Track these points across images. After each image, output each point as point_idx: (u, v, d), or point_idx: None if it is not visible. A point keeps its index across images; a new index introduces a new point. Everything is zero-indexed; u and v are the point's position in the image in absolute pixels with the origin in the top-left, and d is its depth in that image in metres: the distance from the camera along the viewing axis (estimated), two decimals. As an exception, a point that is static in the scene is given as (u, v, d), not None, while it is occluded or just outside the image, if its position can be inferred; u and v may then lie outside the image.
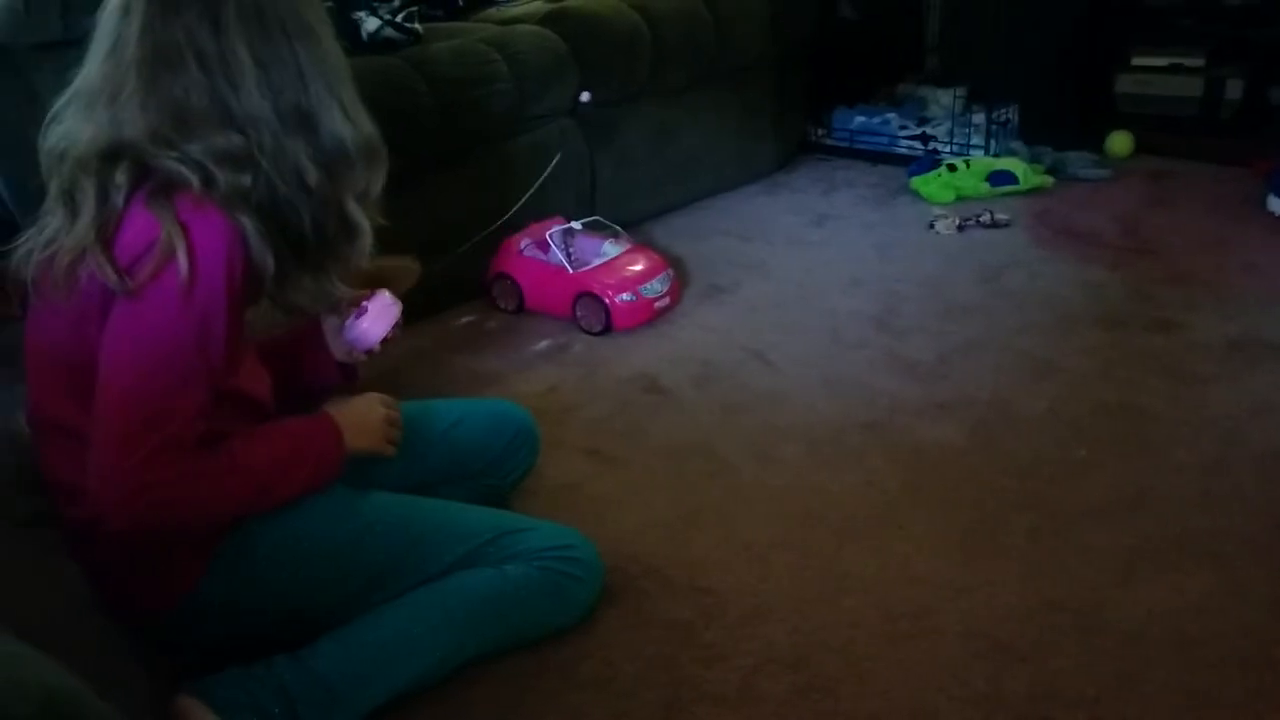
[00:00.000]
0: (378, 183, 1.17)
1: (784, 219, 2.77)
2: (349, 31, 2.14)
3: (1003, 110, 3.07)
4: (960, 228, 2.62)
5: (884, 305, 2.25)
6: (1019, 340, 2.07)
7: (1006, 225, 2.62)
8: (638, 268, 2.23)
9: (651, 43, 2.55)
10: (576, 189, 2.51)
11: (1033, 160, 2.92)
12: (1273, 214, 2.56)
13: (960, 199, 2.80)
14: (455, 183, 2.25)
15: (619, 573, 1.44)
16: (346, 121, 1.12)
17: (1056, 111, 3.08)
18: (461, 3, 2.66)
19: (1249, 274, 2.30)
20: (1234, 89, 3.08)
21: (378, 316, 1.36)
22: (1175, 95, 3.12)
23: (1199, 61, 3.09)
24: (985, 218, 2.64)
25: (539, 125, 2.38)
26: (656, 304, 2.21)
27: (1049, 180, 2.86)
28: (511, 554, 1.28)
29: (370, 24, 2.15)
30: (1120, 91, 3.18)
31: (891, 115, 3.17)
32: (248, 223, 1.06)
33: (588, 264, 2.22)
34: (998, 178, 2.83)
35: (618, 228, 2.34)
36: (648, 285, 2.20)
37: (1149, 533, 1.50)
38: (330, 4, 2.15)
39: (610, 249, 2.26)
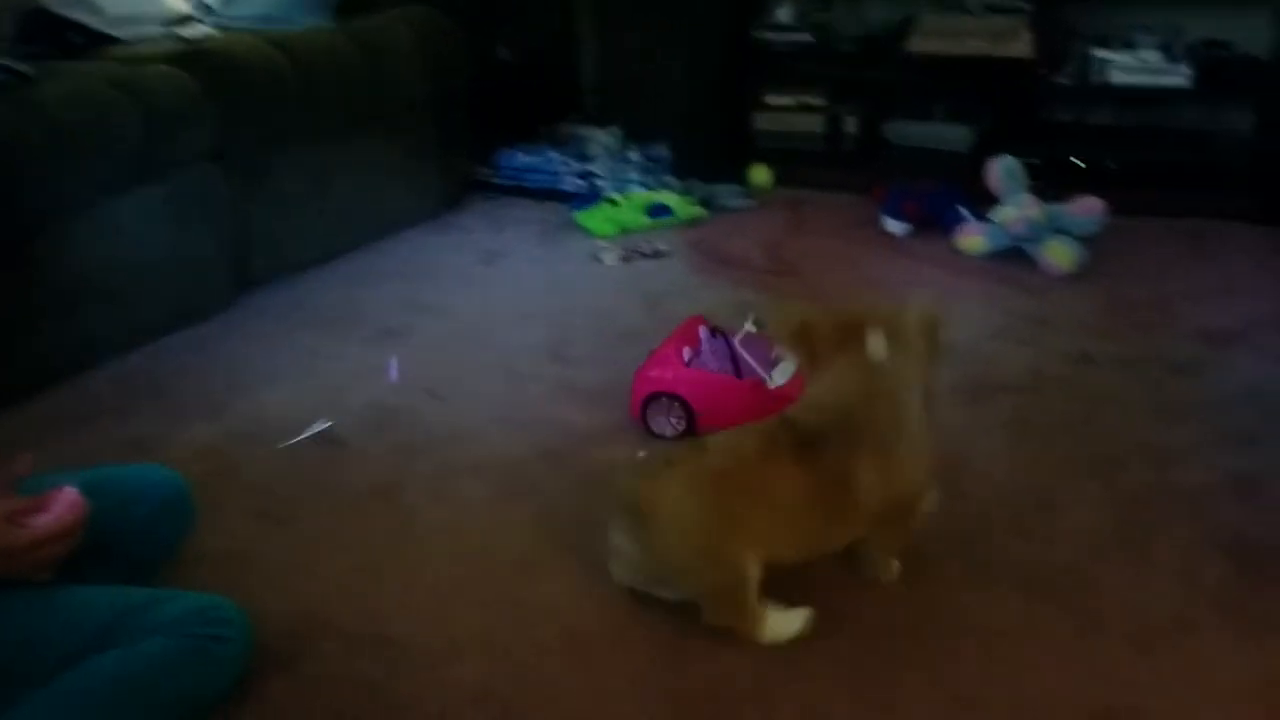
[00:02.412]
0: None
1: (454, 258, 2.77)
2: (-61, 71, 1.90)
3: (656, 147, 3.25)
4: (625, 259, 2.74)
5: (556, 337, 2.30)
6: (683, 361, 2.18)
7: (666, 255, 2.77)
8: None
9: (297, 82, 2.47)
10: (233, 240, 2.37)
11: (685, 193, 3.11)
12: (889, 233, 2.88)
13: (623, 231, 2.92)
14: (80, 234, 2.04)
15: (299, 638, 1.36)
16: None
17: (704, 147, 3.31)
18: (81, 41, 2.44)
19: (872, 287, 2.56)
20: (851, 124, 3.46)
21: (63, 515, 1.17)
22: (803, 131, 3.46)
23: (821, 101, 3.45)
24: (647, 248, 2.77)
25: (177, 171, 2.23)
26: None
27: (702, 211, 3.06)
28: (147, 628, 1.16)
29: (-35, 64, 1.93)
30: (758, 128, 3.48)
31: (554, 154, 3.27)
32: None
33: (765, 372, 1.86)
34: (656, 210, 2.98)
35: None
36: None
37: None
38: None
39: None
